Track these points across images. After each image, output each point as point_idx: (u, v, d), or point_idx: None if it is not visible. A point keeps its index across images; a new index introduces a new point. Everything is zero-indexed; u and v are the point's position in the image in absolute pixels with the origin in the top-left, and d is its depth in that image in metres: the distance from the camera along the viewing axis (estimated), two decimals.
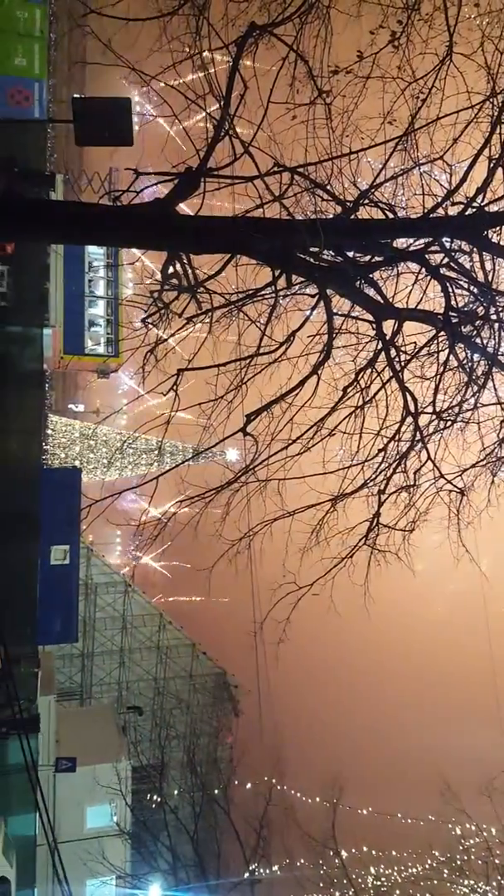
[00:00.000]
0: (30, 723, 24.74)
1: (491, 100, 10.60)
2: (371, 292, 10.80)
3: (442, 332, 11.03)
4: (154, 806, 33.60)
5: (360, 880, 38.62)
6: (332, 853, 36.02)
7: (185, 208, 10.80)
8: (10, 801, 24.63)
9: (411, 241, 11.11)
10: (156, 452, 41.39)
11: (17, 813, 24.79)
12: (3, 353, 27.52)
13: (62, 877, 15.15)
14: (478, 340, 11.00)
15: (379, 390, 11.56)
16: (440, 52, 10.62)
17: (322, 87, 10.84)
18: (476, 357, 11.36)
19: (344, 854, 36.77)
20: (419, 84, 10.85)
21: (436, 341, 11.31)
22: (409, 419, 11.46)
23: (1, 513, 21.13)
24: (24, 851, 24.48)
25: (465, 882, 39.49)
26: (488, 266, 11.00)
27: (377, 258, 10.88)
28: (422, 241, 10.83)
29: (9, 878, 22.43)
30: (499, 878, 36.83)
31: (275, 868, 35.23)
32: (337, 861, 36.37)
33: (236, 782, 36.04)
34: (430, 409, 11.69)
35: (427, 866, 40.96)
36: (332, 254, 10.63)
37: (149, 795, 34.46)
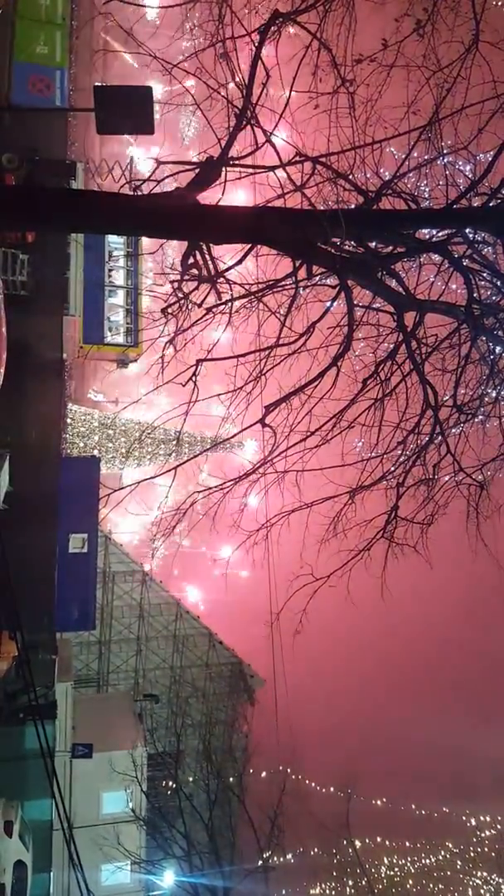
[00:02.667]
0: (47, 709, 25.01)
1: None
2: (393, 283, 10.69)
3: (464, 325, 10.92)
4: (169, 793, 33.83)
5: (373, 870, 38.80)
6: (345, 842, 36.18)
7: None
8: (27, 786, 24.94)
9: (434, 232, 10.99)
10: (174, 443, 41.34)
11: (33, 798, 25.11)
12: (23, 342, 27.61)
13: (77, 861, 15.32)
14: (500, 333, 10.88)
15: (399, 383, 11.44)
16: (466, 41, 10.45)
17: (345, 76, 10.72)
18: (498, 350, 11.24)
19: (357, 843, 36.94)
20: (444, 73, 10.68)
21: (457, 334, 11.20)
22: (429, 412, 11.35)
23: (20, 501, 21.27)
24: (40, 836, 24.79)
25: (479, 874, 39.60)
26: None
27: (399, 249, 10.76)
28: (445, 232, 10.71)
29: (25, 862, 22.69)
30: None
31: (289, 856, 35.44)
32: (350, 850, 36.54)
33: (251, 771, 36.19)
34: (450, 403, 11.59)
35: (440, 857, 41.07)
36: (354, 244, 10.53)
37: (164, 782, 34.70)
